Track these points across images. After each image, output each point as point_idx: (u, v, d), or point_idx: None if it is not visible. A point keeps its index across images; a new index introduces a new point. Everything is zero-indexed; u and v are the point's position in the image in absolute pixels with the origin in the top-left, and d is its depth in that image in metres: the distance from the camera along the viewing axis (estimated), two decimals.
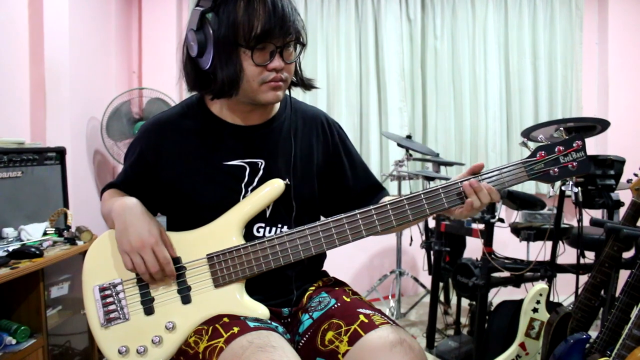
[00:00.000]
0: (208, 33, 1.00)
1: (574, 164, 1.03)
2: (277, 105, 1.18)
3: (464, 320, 2.75)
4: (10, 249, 1.76)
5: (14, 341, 1.68)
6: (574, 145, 1.03)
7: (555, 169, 1.03)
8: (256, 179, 1.11)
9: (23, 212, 2.04)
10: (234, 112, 1.13)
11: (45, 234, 2.04)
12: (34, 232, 1.97)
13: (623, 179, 1.96)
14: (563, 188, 2.00)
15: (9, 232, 1.93)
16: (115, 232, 1.04)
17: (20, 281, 1.69)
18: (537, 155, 1.04)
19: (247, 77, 1.01)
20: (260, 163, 1.12)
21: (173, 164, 1.11)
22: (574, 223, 2.20)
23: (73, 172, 2.43)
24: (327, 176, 1.21)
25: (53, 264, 1.85)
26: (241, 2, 0.98)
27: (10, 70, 2.34)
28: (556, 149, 1.03)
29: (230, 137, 1.12)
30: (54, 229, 2.09)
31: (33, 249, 1.78)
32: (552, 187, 1.09)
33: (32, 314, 1.79)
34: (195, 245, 1.07)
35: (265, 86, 1.03)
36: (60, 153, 2.26)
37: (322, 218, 1.15)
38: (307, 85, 1.16)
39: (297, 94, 1.18)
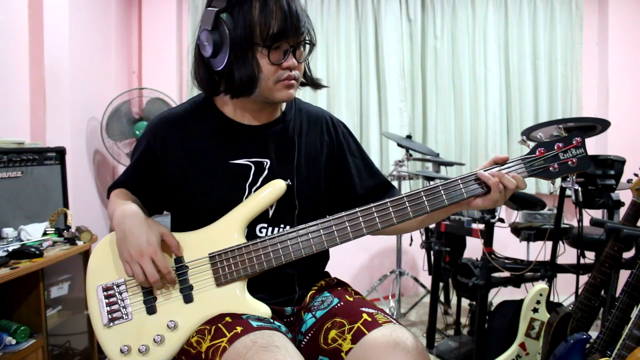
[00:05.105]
0: (224, 33, 1.01)
1: (574, 160, 1.03)
2: (284, 106, 1.18)
3: (464, 320, 2.75)
4: (10, 249, 1.76)
5: (13, 341, 1.68)
6: (574, 142, 1.03)
7: (555, 165, 1.03)
8: (260, 179, 1.11)
9: (23, 212, 2.03)
10: (241, 111, 1.13)
11: (45, 234, 2.03)
12: (33, 232, 1.97)
13: (623, 179, 1.96)
14: (564, 185, 2.00)
15: (9, 232, 1.92)
16: (116, 241, 1.05)
17: (20, 281, 1.69)
18: (537, 152, 1.04)
19: (264, 75, 1.03)
20: (265, 163, 1.12)
21: (179, 160, 1.11)
22: (574, 223, 2.20)
23: (73, 172, 2.43)
24: (333, 176, 1.21)
25: (53, 264, 1.85)
26: (257, 2, 1.00)
27: (10, 70, 2.34)
28: (555, 146, 1.03)
29: (237, 136, 1.12)
30: (53, 229, 2.09)
31: (33, 249, 1.77)
32: (553, 184, 1.09)
33: (32, 314, 1.79)
34: (198, 244, 1.07)
35: (280, 84, 1.05)
36: (60, 153, 2.26)
37: None
38: (316, 84, 1.17)
39: (297, 92, 1.19)
